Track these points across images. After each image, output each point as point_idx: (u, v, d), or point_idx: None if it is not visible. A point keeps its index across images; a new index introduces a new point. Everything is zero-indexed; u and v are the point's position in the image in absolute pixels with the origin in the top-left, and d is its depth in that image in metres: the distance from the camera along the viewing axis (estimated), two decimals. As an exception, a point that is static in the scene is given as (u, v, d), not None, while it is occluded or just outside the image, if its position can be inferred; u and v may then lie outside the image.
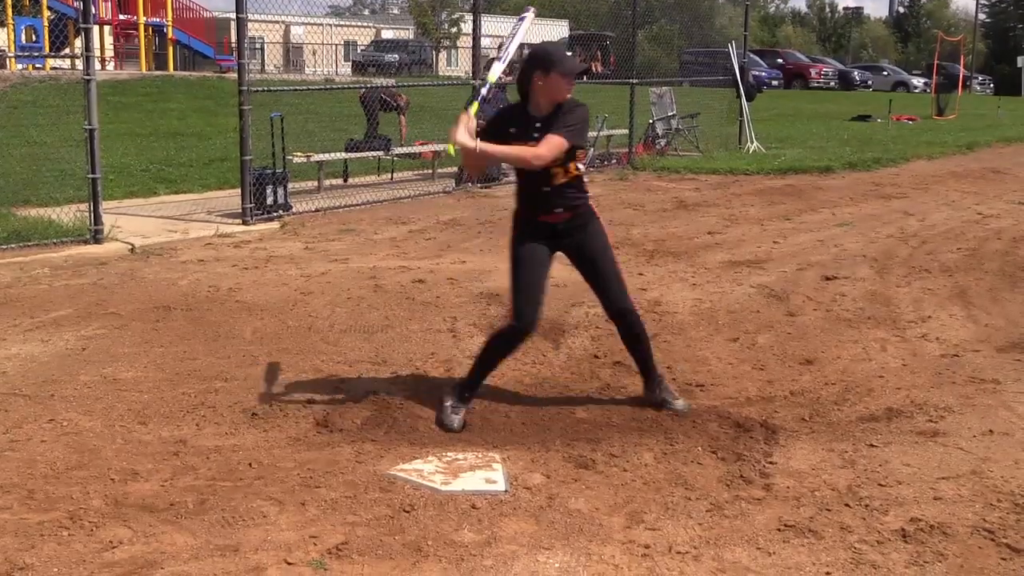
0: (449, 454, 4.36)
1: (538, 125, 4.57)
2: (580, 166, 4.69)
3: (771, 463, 4.28)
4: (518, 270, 4.70)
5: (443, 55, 46.19)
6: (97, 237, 8.68)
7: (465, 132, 4.45)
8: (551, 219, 4.69)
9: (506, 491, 3.99)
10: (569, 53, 4.70)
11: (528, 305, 4.67)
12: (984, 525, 3.72)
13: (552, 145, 4.48)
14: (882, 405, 5.01)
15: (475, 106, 4.57)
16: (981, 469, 4.22)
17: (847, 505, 3.88)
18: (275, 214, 10.25)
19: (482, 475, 4.13)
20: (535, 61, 4.56)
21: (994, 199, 12.48)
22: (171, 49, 31.36)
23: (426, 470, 4.17)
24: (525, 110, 4.64)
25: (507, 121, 4.68)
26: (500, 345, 4.80)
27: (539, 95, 4.58)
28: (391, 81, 14.30)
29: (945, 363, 5.72)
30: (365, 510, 3.80)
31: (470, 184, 12.91)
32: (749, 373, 5.55)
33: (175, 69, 30.41)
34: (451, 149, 4.52)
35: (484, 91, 4.74)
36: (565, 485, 4.05)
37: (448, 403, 4.77)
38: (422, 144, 14.49)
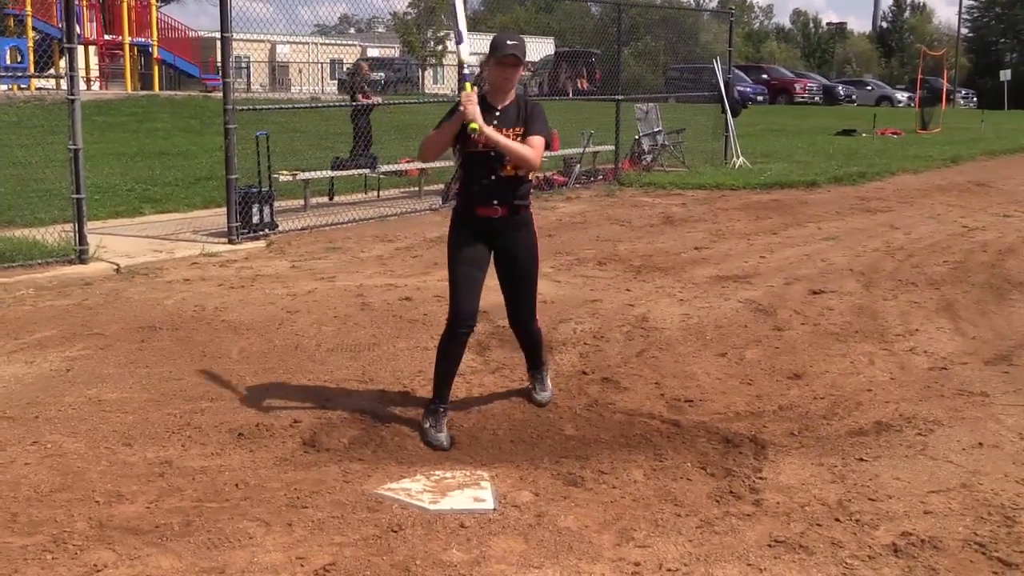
0: (437, 473, 4.33)
1: (497, 113, 4.69)
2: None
3: (761, 478, 4.27)
4: (455, 267, 4.76)
5: (429, 73, 46.27)
6: (82, 257, 8.64)
7: (478, 111, 4.54)
8: (489, 212, 4.71)
9: (495, 509, 3.96)
10: (512, 42, 4.65)
11: (465, 300, 4.71)
12: (975, 539, 3.71)
13: (539, 147, 4.68)
14: (871, 419, 5.01)
15: (469, 86, 4.61)
16: (971, 482, 4.21)
17: (837, 520, 3.86)
18: (261, 233, 10.21)
19: (470, 493, 4.11)
20: (488, 50, 4.71)
21: (979, 212, 12.53)
22: (156, 69, 31.36)
23: (414, 489, 4.14)
24: (484, 98, 4.72)
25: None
26: (448, 347, 4.80)
27: (489, 82, 4.75)
28: (378, 99, 14.29)
29: (933, 376, 5.73)
30: (353, 530, 3.76)
31: (457, 201, 12.88)
32: (738, 388, 5.54)
33: (161, 89, 30.42)
34: (475, 125, 4.50)
35: (467, 71, 4.76)
36: (554, 503, 4.03)
37: (427, 424, 4.76)
38: (408, 161, 14.49)
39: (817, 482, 4.23)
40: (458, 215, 4.85)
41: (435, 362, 4.84)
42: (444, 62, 44.27)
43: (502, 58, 4.63)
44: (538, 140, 4.68)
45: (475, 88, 4.66)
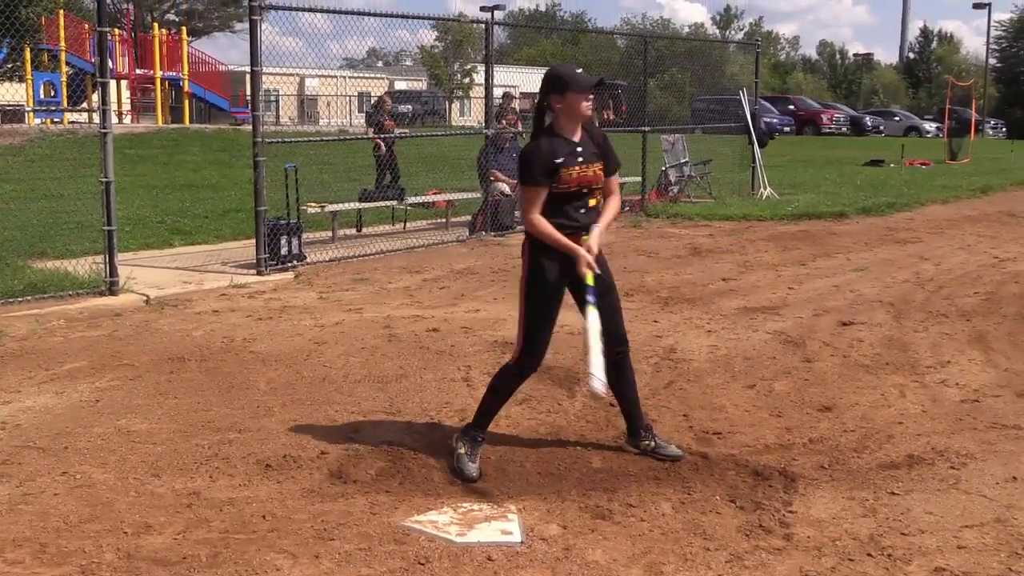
0: (464, 505, 4.31)
1: (579, 149, 4.60)
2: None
3: (791, 512, 4.22)
4: (539, 309, 4.63)
5: (456, 105, 46.58)
6: (112, 289, 8.71)
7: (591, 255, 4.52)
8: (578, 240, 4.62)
9: (522, 542, 3.93)
10: (580, 69, 4.64)
11: (542, 345, 4.66)
12: (1010, 574, 3.64)
13: (617, 185, 4.83)
14: (902, 452, 4.95)
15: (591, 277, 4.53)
16: (1005, 517, 4.15)
17: (869, 555, 3.81)
18: (289, 264, 10.28)
19: (497, 526, 4.09)
20: (549, 86, 4.60)
21: (1010, 243, 12.43)
22: (187, 102, 31.74)
23: (441, 521, 4.12)
24: (559, 136, 4.60)
25: (549, 158, 4.53)
26: (511, 385, 4.77)
27: (561, 118, 4.60)
28: (395, 132, 14.38)
29: (965, 409, 5.66)
30: (379, 563, 3.75)
31: (483, 233, 12.94)
32: (767, 420, 5.50)
33: (191, 122, 30.76)
34: (590, 279, 4.52)
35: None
36: (582, 536, 4.00)
37: (463, 449, 4.71)
38: (436, 193, 14.56)
39: (848, 516, 4.18)
40: (545, 250, 4.60)
41: (489, 395, 4.81)
42: (470, 95, 44.54)
43: (587, 87, 4.55)
44: (616, 181, 4.79)
45: (559, 160, 4.56)
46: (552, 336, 4.71)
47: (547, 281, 4.61)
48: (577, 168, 4.57)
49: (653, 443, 4.89)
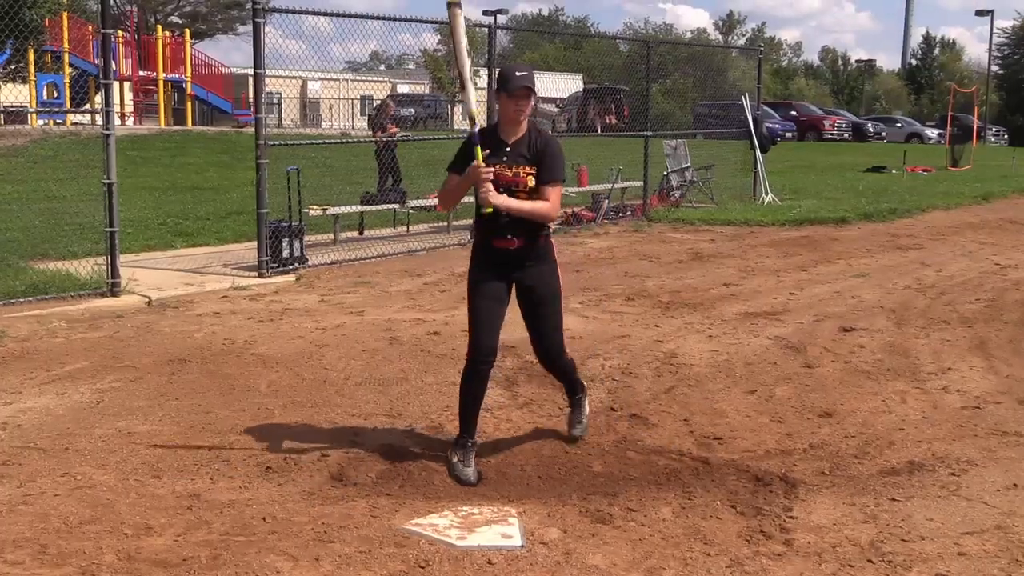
0: (464, 508, 4.31)
1: (507, 149, 4.65)
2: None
3: (791, 518, 4.22)
4: (474, 300, 4.76)
5: (458, 108, 46.59)
6: (114, 290, 8.71)
7: (493, 191, 4.52)
8: (505, 245, 4.68)
9: (522, 546, 3.93)
10: (520, 72, 4.62)
11: (484, 334, 4.71)
12: (1011, 582, 3.64)
13: (555, 199, 4.72)
14: (903, 458, 4.95)
15: (479, 152, 4.56)
16: (1006, 524, 4.15)
17: (870, 561, 3.81)
18: (291, 267, 10.28)
19: (498, 530, 4.09)
20: (496, 83, 4.70)
21: (1012, 250, 12.42)
22: (189, 104, 31.77)
23: (441, 525, 4.12)
24: (496, 132, 4.72)
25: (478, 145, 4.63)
26: (469, 382, 4.79)
27: (500, 116, 4.73)
28: (397, 132, 14.41)
29: (966, 415, 5.66)
30: (380, 566, 3.75)
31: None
32: (767, 426, 5.49)
33: (193, 124, 30.79)
34: (489, 210, 4.54)
35: (475, 130, 4.62)
36: (582, 540, 4.00)
37: (454, 459, 4.74)
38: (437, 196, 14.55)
39: (849, 522, 4.18)
40: (476, 248, 4.83)
41: (460, 400, 4.84)
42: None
43: (514, 91, 4.57)
44: (553, 191, 4.67)
45: (486, 152, 4.58)
46: (497, 333, 4.75)
47: (484, 282, 4.74)
48: (498, 166, 4.61)
49: (573, 415, 5.22)
